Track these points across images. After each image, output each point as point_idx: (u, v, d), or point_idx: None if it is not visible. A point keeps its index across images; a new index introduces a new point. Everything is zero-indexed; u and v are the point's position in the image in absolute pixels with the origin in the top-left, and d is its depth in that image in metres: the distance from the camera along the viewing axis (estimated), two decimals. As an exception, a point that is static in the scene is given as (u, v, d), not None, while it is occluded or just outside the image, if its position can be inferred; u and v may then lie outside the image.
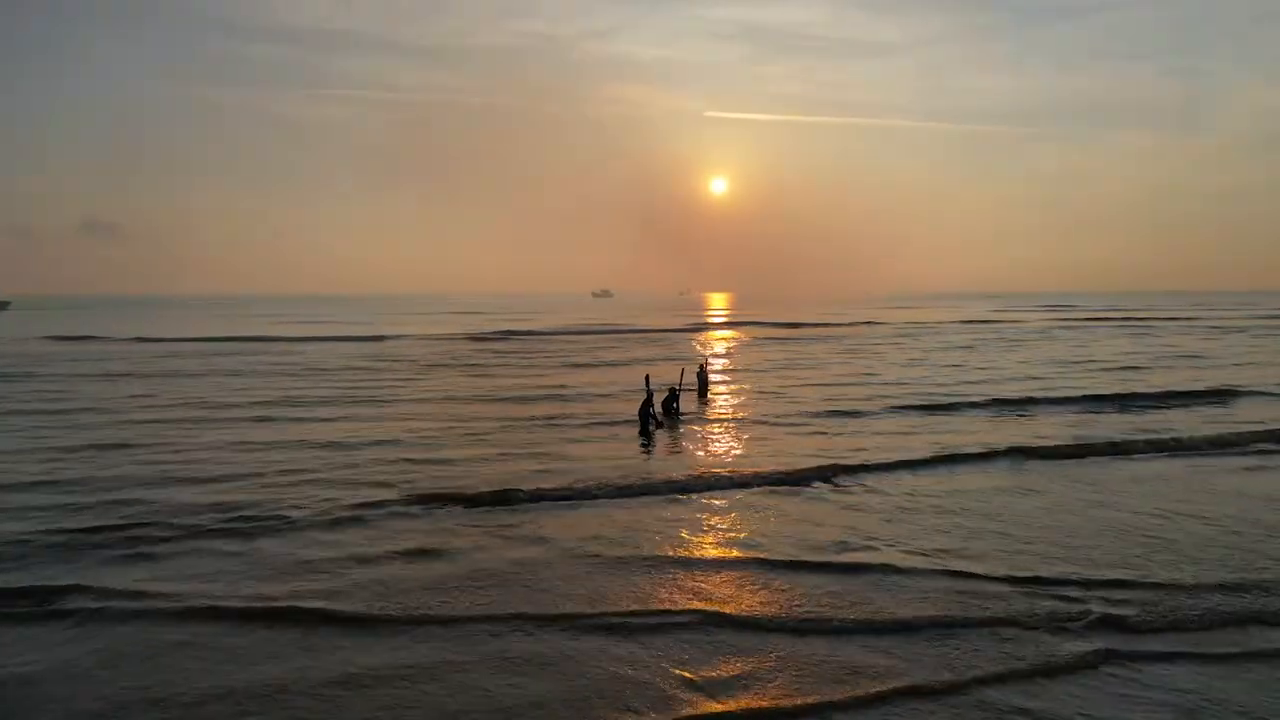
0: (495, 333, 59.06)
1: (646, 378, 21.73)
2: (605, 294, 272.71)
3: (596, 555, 9.97)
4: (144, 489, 13.04)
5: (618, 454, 15.83)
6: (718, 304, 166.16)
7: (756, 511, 11.97)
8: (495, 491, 12.55)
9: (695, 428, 19.06)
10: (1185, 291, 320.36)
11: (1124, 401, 22.83)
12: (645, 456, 15.74)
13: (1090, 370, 31.34)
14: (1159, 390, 24.72)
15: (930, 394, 24.43)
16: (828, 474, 14.14)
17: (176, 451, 15.99)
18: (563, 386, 26.20)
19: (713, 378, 28.47)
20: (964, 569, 9.40)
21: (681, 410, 20.79)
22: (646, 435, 18.18)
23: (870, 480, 13.85)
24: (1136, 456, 15.94)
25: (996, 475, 14.33)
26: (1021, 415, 20.69)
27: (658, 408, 19.61)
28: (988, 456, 15.58)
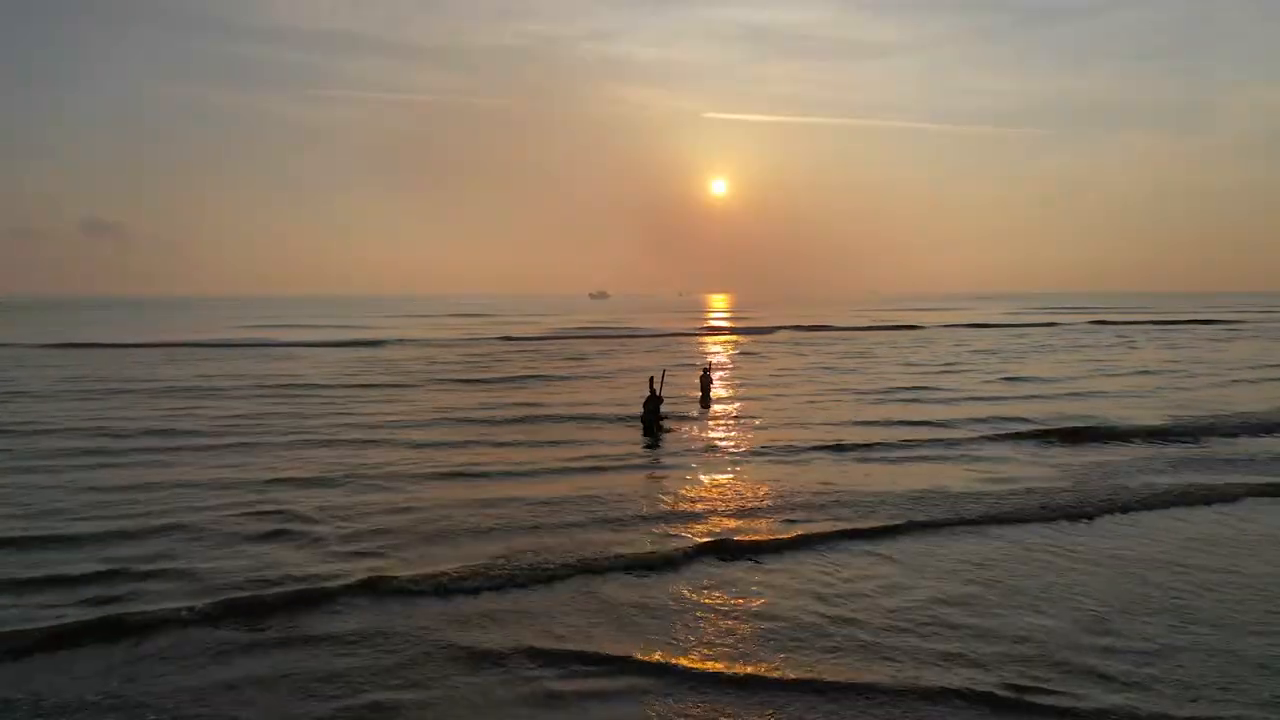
0: (492, 338, 55.55)
1: (650, 380, 19.71)
2: (602, 295, 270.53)
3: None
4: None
5: (571, 496, 12.33)
6: (718, 305, 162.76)
7: (732, 589, 8.52)
8: (364, 582, 8.76)
9: (686, 453, 15.54)
10: (1188, 293, 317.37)
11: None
12: (610, 502, 12.16)
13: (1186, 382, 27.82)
14: None
15: (1023, 415, 20.09)
16: (848, 535, 10.59)
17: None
18: (544, 404, 22.65)
19: (723, 390, 25.04)
20: None
21: (666, 422, 18.83)
22: (652, 440, 17.21)
23: (896, 544, 10.34)
24: None
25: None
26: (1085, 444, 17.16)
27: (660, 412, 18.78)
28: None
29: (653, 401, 18.95)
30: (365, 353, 42.74)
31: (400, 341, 51.11)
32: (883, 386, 26.32)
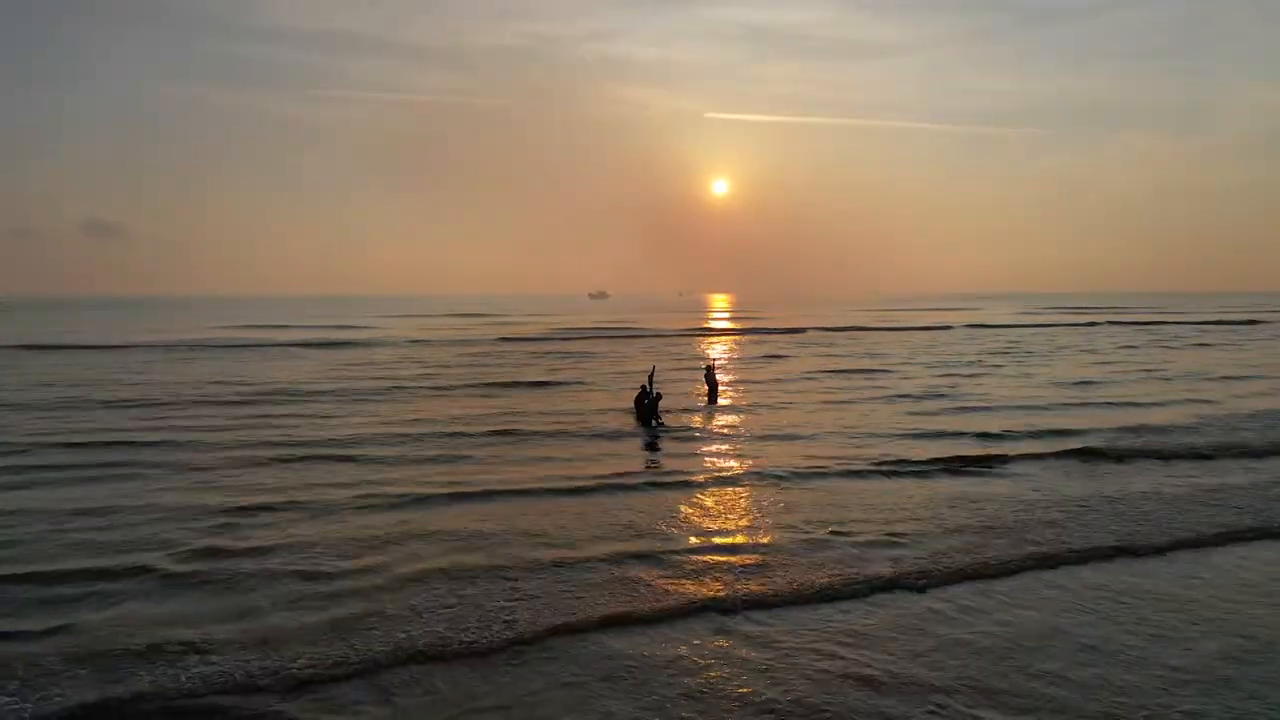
0: (487, 339, 53.78)
1: (649, 378, 19.72)
2: (601, 295, 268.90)
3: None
4: None
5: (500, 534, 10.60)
6: (720, 305, 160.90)
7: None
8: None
9: (687, 471, 13.79)
10: (1188, 293, 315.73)
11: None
12: (589, 536, 10.44)
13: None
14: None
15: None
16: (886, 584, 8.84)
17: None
18: (533, 414, 20.83)
19: (733, 399, 23.36)
20: None
21: (663, 420, 18.69)
22: (650, 429, 17.84)
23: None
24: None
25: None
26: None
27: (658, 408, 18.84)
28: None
29: (650, 400, 18.71)
30: (355, 354, 41.06)
31: (392, 343, 49.34)
32: (919, 392, 24.37)
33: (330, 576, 8.92)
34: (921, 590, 8.62)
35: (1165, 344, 45.82)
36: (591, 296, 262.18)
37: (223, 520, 11.01)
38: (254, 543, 10.06)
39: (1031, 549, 9.84)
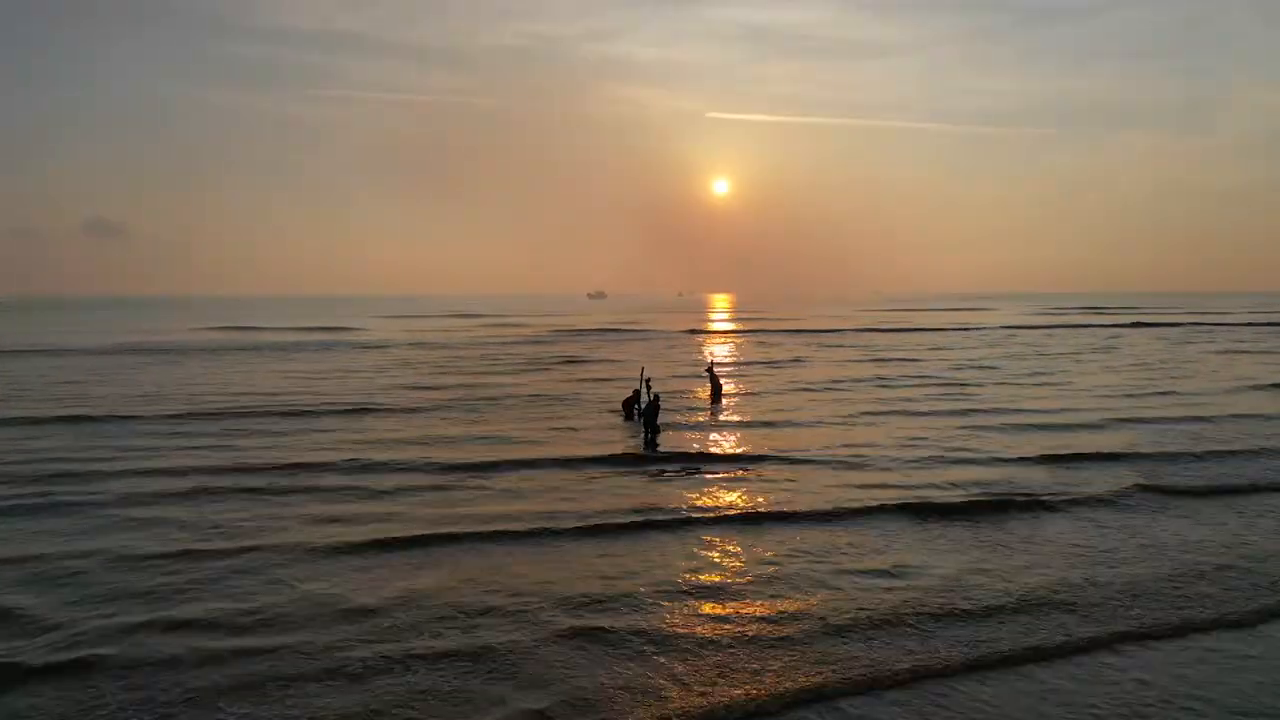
0: (482, 341, 52.35)
1: (647, 383, 18.95)
2: (600, 295, 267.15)
3: None
4: None
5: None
6: (722, 306, 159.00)
7: None
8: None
9: (686, 508, 11.98)
10: (1188, 293, 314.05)
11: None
12: (558, 601, 8.68)
13: None
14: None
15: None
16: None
17: None
18: (503, 434, 18.81)
19: (744, 414, 21.59)
20: None
21: (660, 429, 17.37)
22: (651, 443, 16.54)
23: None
24: None
25: None
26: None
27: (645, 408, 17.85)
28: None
29: (648, 405, 17.43)
30: (346, 357, 39.44)
31: (383, 345, 47.71)
32: (950, 406, 22.22)
33: (221, 661, 7.13)
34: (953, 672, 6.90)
35: (1229, 347, 43.78)
36: (590, 297, 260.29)
37: (137, 580, 9.22)
38: (137, 616, 8.16)
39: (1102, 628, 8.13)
